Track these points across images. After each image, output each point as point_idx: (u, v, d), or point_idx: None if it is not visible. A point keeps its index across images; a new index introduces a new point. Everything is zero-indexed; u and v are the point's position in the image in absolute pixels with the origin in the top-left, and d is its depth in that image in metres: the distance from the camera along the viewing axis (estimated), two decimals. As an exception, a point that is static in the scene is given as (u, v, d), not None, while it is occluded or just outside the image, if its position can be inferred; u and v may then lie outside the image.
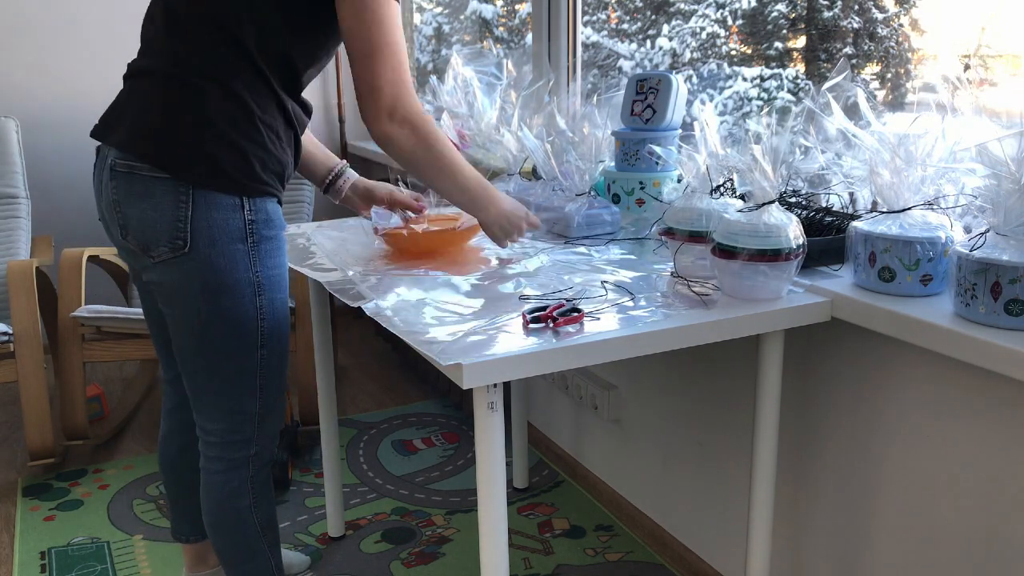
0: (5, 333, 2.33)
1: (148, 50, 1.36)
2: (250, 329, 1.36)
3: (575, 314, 1.14)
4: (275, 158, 1.34)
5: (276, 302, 1.38)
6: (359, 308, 1.28)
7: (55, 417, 2.57)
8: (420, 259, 1.50)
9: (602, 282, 1.34)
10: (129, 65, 1.38)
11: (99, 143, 1.38)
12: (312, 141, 1.62)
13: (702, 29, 2.20)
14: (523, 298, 1.27)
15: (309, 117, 1.44)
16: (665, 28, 2.31)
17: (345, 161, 1.65)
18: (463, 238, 1.57)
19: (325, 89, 3.53)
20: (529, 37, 2.55)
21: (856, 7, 1.81)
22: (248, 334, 1.36)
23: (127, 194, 1.32)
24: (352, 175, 1.64)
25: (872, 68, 1.78)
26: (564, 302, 1.18)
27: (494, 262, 1.48)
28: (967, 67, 1.49)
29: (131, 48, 1.41)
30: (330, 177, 1.62)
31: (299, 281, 2.51)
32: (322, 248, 1.62)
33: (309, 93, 1.46)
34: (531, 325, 1.13)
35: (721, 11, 2.14)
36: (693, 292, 1.29)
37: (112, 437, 2.66)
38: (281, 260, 1.39)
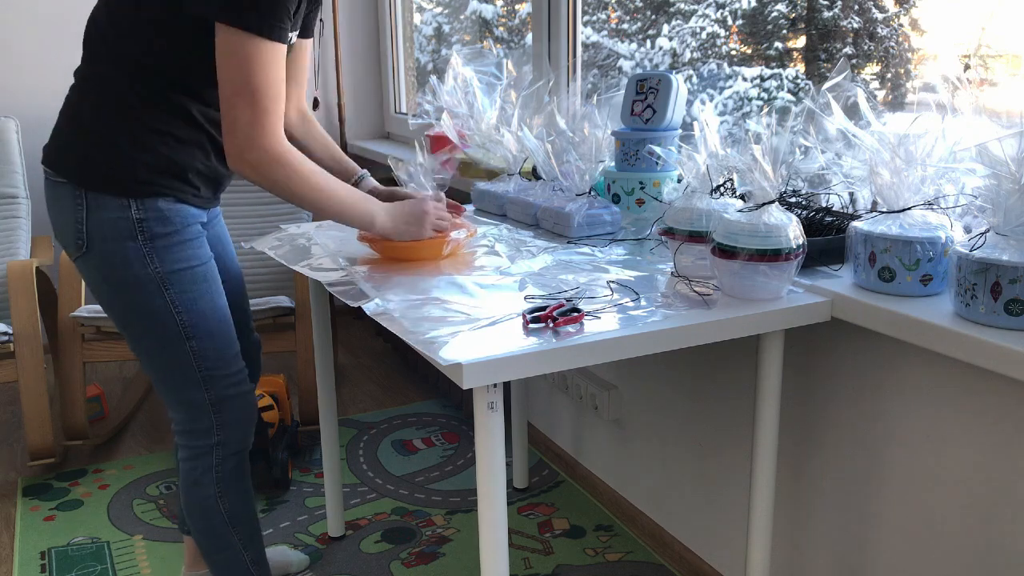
0: (5, 333, 2.34)
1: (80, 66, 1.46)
2: (168, 323, 1.41)
3: (575, 314, 1.14)
4: (169, 159, 1.39)
5: (193, 293, 1.43)
6: (359, 308, 1.28)
7: (55, 417, 2.57)
8: (406, 265, 1.47)
9: (608, 282, 1.34)
10: None
11: None
12: (329, 151, 1.68)
13: (702, 29, 2.20)
14: (529, 298, 1.27)
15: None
16: (665, 28, 2.31)
17: (365, 170, 1.66)
18: (442, 246, 1.50)
19: (326, 89, 3.53)
20: (529, 37, 2.55)
21: (856, 7, 1.81)
22: (168, 327, 1.42)
23: (48, 200, 1.44)
24: (370, 183, 1.66)
25: (872, 68, 1.78)
26: (564, 302, 1.18)
27: (491, 269, 1.48)
28: (967, 67, 1.49)
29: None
30: (351, 184, 1.60)
31: (299, 281, 2.51)
32: (324, 248, 1.62)
33: (308, 92, 1.45)
34: (531, 325, 1.13)
35: (721, 11, 2.14)
36: (694, 291, 1.29)
37: (112, 437, 2.66)
38: (190, 254, 1.43)
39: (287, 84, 1.53)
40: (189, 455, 1.51)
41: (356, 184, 1.64)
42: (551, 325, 1.13)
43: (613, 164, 1.82)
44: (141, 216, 1.38)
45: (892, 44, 1.76)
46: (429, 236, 1.47)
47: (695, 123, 1.36)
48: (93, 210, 1.38)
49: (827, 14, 1.89)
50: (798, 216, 1.27)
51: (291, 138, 1.59)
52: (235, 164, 1.33)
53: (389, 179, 1.78)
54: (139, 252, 1.39)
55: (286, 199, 1.38)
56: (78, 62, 1.47)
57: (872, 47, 1.78)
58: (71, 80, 1.46)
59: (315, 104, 3.50)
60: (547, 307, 1.16)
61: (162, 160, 1.39)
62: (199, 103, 1.41)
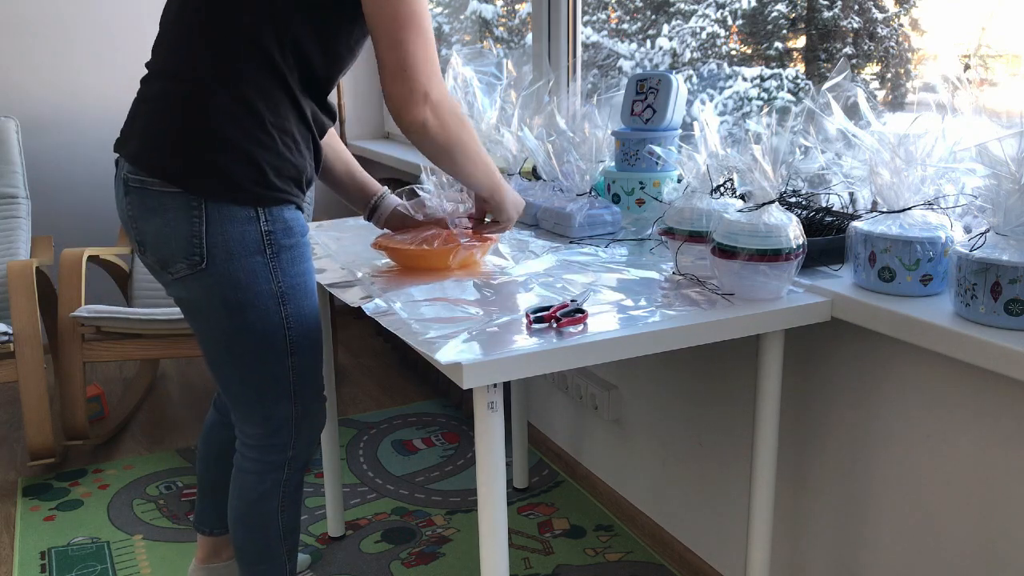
0: (5, 333, 2.34)
1: (159, 48, 1.31)
2: (277, 339, 1.33)
3: (579, 314, 1.14)
4: (290, 163, 1.29)
5: (303, 309, 1.35)
6: (359, 308, 1.28)
7: (55, 417, 2.57)
8: (423, 275, 1.43)
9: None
10: (146, 65, 1.33)
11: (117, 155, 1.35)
12: (353, 167, 1.57)
13: (702, 29, 2.20)
14: (534, 312, 1.27)
15: (333, 121, 1.39)
16: (665, 28, 2.31)
17: (386, 188, 1.58)
18: (449, 255, 1.47)
19: (325, 89, 3.53)
20: (529, 37, 2.55)
21: (856, 7, 1.81)
22: (276, 344, 1.33)
23: (141, 210, 1.28)
24: (391, 202, 1.56)
25: (872, 68, 1.78)
26: (568, 302, 1.18)
27: (494, 270, 1.48)
28: (967, 67, 1.49)
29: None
30: (371, 205, 1.56)
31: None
32: (325, 248, 1.62)
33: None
34: (534, 325, 1.13)
35: (721, 11, 2.14)
36: (695, 292, 1.28)
37: (112, 437, 2.66)
38: (305, 267, 1.35)
39: None
40: (259, 468, 1.44)
41: (377, 204, 1.56)
42: (554, 325, 1.13)
43: (613, 164, 1.82)
44: (269, 228, 1.27)
45: (892, 44, 1.76)
46: (509, 220, 1.46)
47: (695, 123, 1.37)
48: (215, 222, 1.24)
49: (827, 14, 1.89)
50: (798, 216, 1.27)
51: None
52: (413, 111, 1.19)
53: (390, 180, 1.77)
54: (265, 267, 1.28)
55: (451, 151, 1.26)
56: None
57: (872, 47, 1.78)
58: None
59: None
60: (550, 307, 1.16)
61: (287, 164, 1.28)
62: (315, 101, 1.32)
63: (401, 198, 1.60)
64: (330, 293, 1.45)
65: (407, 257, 1.44)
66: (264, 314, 1.30)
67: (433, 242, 1.43)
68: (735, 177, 1.36)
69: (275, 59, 1.23)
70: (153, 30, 1.38)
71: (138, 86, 1.34)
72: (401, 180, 1.75)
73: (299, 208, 1.34)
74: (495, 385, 1.08)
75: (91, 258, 2.68)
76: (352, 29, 1.28)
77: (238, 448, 1.47)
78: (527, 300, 1.26)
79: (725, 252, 1.23)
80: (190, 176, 1.23)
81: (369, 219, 1.57)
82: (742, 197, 1.37)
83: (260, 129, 1.24)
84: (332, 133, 1.53)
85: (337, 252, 1.58)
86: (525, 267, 1.45)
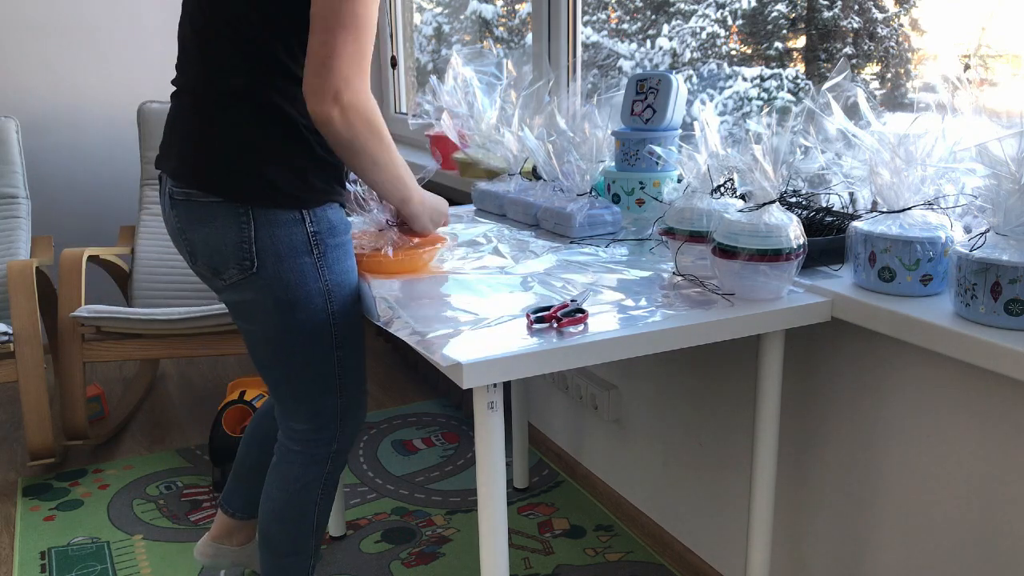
0: (5, 333, 2.34)
1: (182, 64, 1.34)
2: (325, 335, 1.37)
3: (579, 314, 1.14)
4: (327, 162, 1.32)
5: (347, 305, 1.38)
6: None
7: (55, 417, 2.58)
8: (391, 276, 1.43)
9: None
10: (172, 81, 1.37)
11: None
12: None
13: (702, 29, 2.20)
14: (535, 312, 1.27)
15: None
16: (665, 28, 2.31)
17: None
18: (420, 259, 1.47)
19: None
20: (529, 37, 2.55)
21: (856, 7, 1.81)
22: (323, 340, 1.37)
23: (189, 221, 1.32)
24: None
25: (872, 68, 1.78)
26: (568, 302, 1.18)
27: (494, 270, 1.48)
28: (967, 67, 1.49)
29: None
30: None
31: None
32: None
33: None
34: (535, 325, 1.13)
35: (721, 11, 2.14)
36: (695, 292, 1.29)
37: (112, 437, 2.66)
38: (349, 264, 1.38)
39: None
40: (305, 460, 1.46)
41: None
42: (555, 325, 1.13)
43: (613, 164, 1.82)
44: (315, 229, 1.31)
45: (892, 44, 1.76)
46: (430, 233, 1.47)
47: (695, 123, 1.37)
48: (263, 226, 1.28)
49: (827, 14, 1.89)
50: (798, 216, 1.27)
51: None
52: (322, 105, 1.18)
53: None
54: (313, 266, 1.32)
55: (356, 153, 1.25)
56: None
57: (872, 47, 1.78)
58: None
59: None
60: (551, 307, 1.16)
61: (325, 164, 1.32)
62: None
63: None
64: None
65: (374, 265, 1.43)
66: (313, 312, 1.34)
67: (385, 248, 1.44)
68: (735, 177, 1.36)
69: (284, 62, 1.26)
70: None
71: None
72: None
73: (342, 205, 1.38)
74: (495, 385, 1.08)
75: (91, 258, 2.68)
76: None
77: (281, 441, 1.49)
78: (527, 300, 1.26)
79: (725, 252, 1.23)
80: (233, 187, 1.27)
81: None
82: (742, 197, 1.37)
83: (294, 133, 1.28)
84: None
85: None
86: (526, 267, 1.45)
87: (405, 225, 1.47)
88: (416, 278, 1.39)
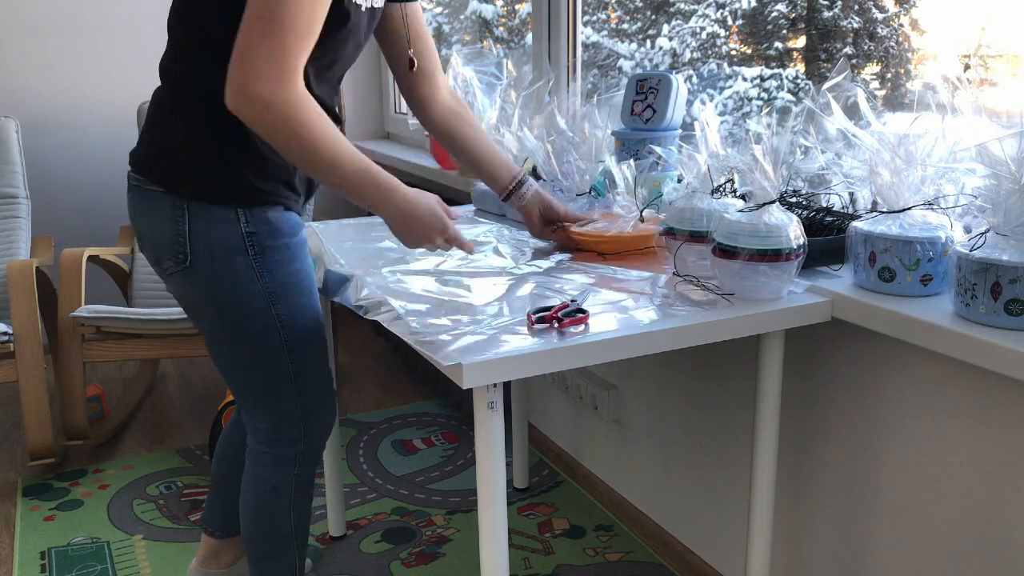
0: (5, 333, 2.34)
1: (163, 57, 1.34)
2: (272, 338, 1.34)
3: (580, 314, 1.14)
4: (276, 165, 1.31)
5: (297, 307, 1.35)
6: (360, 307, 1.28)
7: (55, 417, 2.57)
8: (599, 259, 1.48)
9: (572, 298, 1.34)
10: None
11: None
12: (491, 146, 1.58)
13: (702, 29, 2.20)
14: (536, 312, 1.27)
15: (336, 124, 1.31)
16: (665, 28, 2.31)
17: (527, 175, 1.58)
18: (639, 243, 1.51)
19: (325, 89, 3.53)
20: (529, 37, 2.55)
21: (856, 7, 1.81)
22: (271, 342, 1.35)
23: (136, 207, 1.34)
24: (533, 183, 1.58)
25: (872, 68, 1.78)
26: (569, 302, 1.18)
27: (494, 270, 1.48)
28: (967, 67, 1.49)
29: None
30: (513, 184, 1.56)
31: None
32: (339, 248, 1.62)
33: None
34: (536, 325, 1.13)
35: (721, 11, 2.14)
36: (695, 292, 1.28)
37: (112, 437, 2.66)
38: (297, 266, 1.35)
39: (419, 56, 1.50)
40: (272, 462, 1.45)
41: (521, 183, 1.56)
42: (556, 326, 1.13)
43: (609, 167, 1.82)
44: (251, 229, 1.29)
45: (892, 44, 1.76)
46: (427, 247, 1.34)
47: (695, 123, 1.36)
48: (197, 222, 1.28)
49: (827, 14, 1.89)
50: (798, 216, 1.27)
51: (444, 122, 1.57)
52: (235, 97, 1.13)
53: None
54: (249, 267, 1.30)
55: (285, 153, 1.20)
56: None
57: (872, 47, 1.78)
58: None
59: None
60: (552, 307, 1.16)
61: (270, 165, 1.30)
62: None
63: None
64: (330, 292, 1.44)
65: (615, 243, 1.49)
66: (253, 313, 1.32)
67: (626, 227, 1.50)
68: (735, 177, 1.36)
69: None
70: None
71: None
72: (406, 181, 1.74)
73: (289, 208, 1.35)
74: (495, 385, 1.08)
75: (91, 258, 2.68)
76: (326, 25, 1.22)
77: (249, 443, 1.48)
78: (526, 300, 1.26)
79: (725, 252, 1.23)
80: (171, 176, 1.28)
81: (506, 199, 1.57)
82: (743, 197, 1.37)
83: (240, 132, 1.25)
84: (466, 107, 1.60)
85: (347, 251, 1.58)
86: (525, 267, 1.44)
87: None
88: (417, 277, 1.39)
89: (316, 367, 1.42)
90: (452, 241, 1.33)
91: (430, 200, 1.31)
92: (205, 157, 1.27)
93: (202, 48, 1.24)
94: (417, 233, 1.30)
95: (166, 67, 1.31)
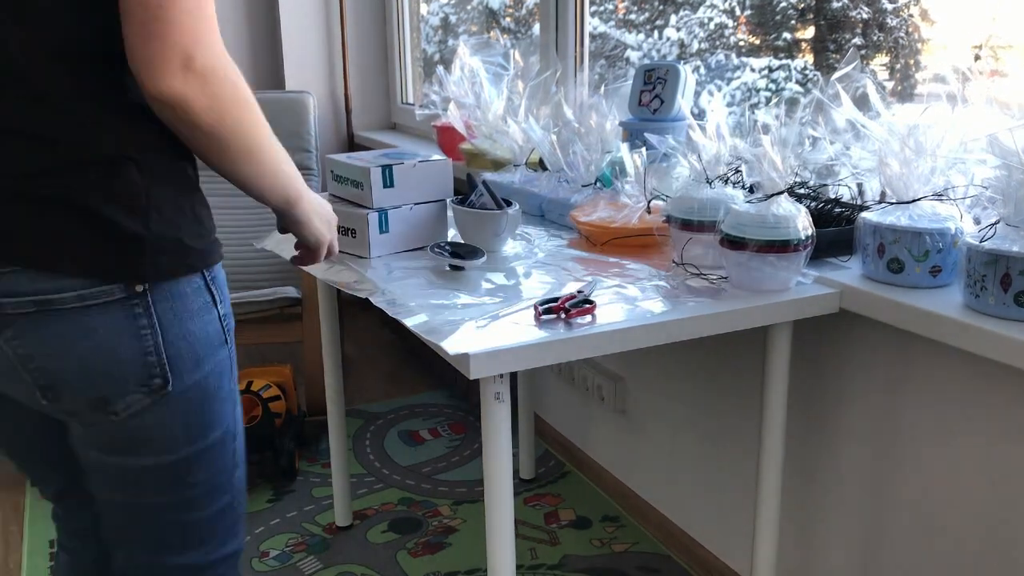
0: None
1: (26, 141, 0.88)
2: (230, 452, 1.06)
3: (587, 305, 1.14)
4: (206, 209, 1.00)
5: (238, 415, 1.08)
6: (366, 298, 1.28)
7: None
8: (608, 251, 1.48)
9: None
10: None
11: None
12: None
13: (710, 19, 2.19)
14: (543, 303, 1.26)
15: None
16: (673, 18, 2.30)
17: None
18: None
19: (332, 80, 3.53)
20: (536, 27, 2.54)
21: (865, -3, 1.80)
22: (228, 459, 1.06)
23: (42, 344, 0.90)
24: None
25: (881, 59, 1.77)
26: (576, 293, 1.18)
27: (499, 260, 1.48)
28: (977, 57, 1.48)
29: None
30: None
31: (306, 271, 2.51)
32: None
33: (317, 82, 1.33)
34: (543, 316, 1.13)
35: (729, 1, 2.13)
36: (701, 282, 1.28)
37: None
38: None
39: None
40: None
41: None
42: (563, 316, 1.13)
43: (620, 154, 1.82)
44: (224, 310, 1.00)
45: (902, 35, 1.75)
46: (325, 242, 1.11)
47: (703, 113, 1.36)
48: (171, 324, 0.94)
49: (836, 4, 1.88)
50: (807, 207, 1.26)
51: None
52: (172, 82, 0.82)
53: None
54: (227, 363, 1.02)
55: (221, 144, 0.89)
56: None
57: (881, 37, 1.77)
58: None
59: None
60: (559, 298, 1.15)
61: (205, 207, 1.00)
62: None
63: None
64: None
65: (619, 234, 1.48)
66: (226, 424, 1.04)
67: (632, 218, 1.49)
68: (743, 168, 1.36)
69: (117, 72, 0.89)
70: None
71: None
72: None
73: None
74: (502, 376, 1.08)
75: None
76: None
77: None
78: (533, 290, 1.26)
79: (733, 243, 1.22)
80: (124, 260, 0.90)
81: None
82: (750, 188, 1.36)
83: (184, 178, 0.97)
84: None
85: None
86: (530, 257, 1.44)
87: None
88: (424, 268, 1.39)
89: (241, 510, 1.12)
90: (332, 244, 1.14)
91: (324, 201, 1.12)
92: (169, 208, 0.93)
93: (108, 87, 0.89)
94: (328, 225, 1.11)
95: (54, 129, 0.87)
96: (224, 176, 0.94)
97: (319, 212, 1.08)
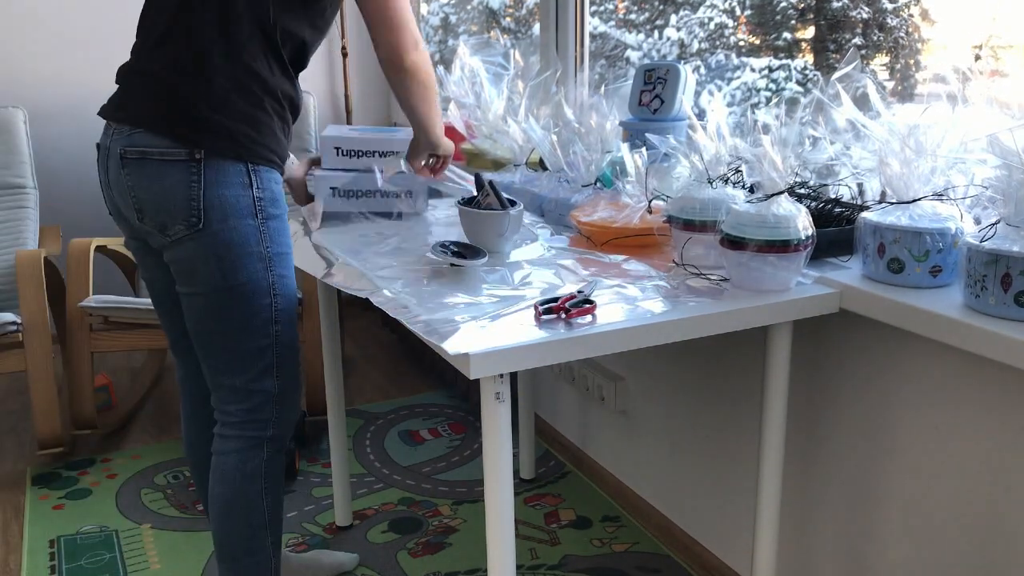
0: (14, 323, 2.34)
1: (160, 42, 1.38)
2: (264, 304, 1.41)
3: (587, 305, 1.14)
4: (281, 134, 1.42)
5: (286, 279, 1.44)
6: (366, 298, 1.28)
7: (63, 406, 2.58)
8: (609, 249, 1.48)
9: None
10: (136, 59, 1.41)
11: (103, 137, 1.41)
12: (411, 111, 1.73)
13: (710, 19, 2.19)
14: (543, 303, 1.26)
15: (299, 112, 1.49)
16: (673, 18, 2.30)
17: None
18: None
19: (332, 78, 3.53)
20: (536, 27, 2.54)
21: (866, -3, 1.80)
22: (263, 309, 1.41)
23: (140, 178, 1.35)
24: (292, 167, 1.71)
25: (882, 59, 1.77)
26: (576, 293, 1.18)
27: (499, 260, 1.48)
28: (977, 57, 1.48)
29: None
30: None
31: (305, 272, 2.51)
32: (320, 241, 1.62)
33: (317, 82, 1.51)
34: (543, 316, 1.13)
35: (729, 1, 2.13)
36: (701, 282, 1.28)
37: (120, 427, 2.67)
38: (287, 240, 1.44)
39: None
40: (242, 446, 1.47)
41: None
42: (563, 316, 1.13)
43: (621, 154, 1.82)
44: (260, 195, 1.38)
45: (902, 35, 1.75)
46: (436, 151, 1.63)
47: (703, 113, 1.36)
48: (212, 186, 1.34)
49: (836, 4, 1.88)
50: (807, 207, 1.26)
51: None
52: (413, 56, 1.41)
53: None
54: (256, 231, 1.38)
55: (429, 88, 1.47)
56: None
57: (882, 37, 1.77)
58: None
59: (344, 51, 3.50)
60: (559, 298, 1.15)
61: (279, 134, 1.42)
62: (296, 81, 1.45)
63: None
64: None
65: (619, 234, 1.48)
66: (253, 276, 1.39)
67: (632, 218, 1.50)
68: (743, 168, 1.36)
69: (272, 35, 1.36)
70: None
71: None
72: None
73: (279, 177, 1.45)
74: (502, 376, 1.08)
75: (99, 248, 2.69)
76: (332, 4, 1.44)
77: (217, 432, 1.50)
78: (533, 290, 1.26)
79: (734, 243, 1.22)
80: (186, 130, 1.33)
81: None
82: (751, 188, 1.36)
83: (262, 97, 1.37)
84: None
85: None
86: (531, 257, 1.44)
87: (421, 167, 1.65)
88: (424, 267, 1.39)
89: (292, 346, 1.48)
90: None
91: None
92: (236, 113, 1.34)
93: (237, 26, 1.33)
94: (446, 151, 1.65)
95: (192, 31, 1.34)
96: (414, 112, 1.51)
97: (443, 143, 1.63)
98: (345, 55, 3.50)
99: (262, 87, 1.37)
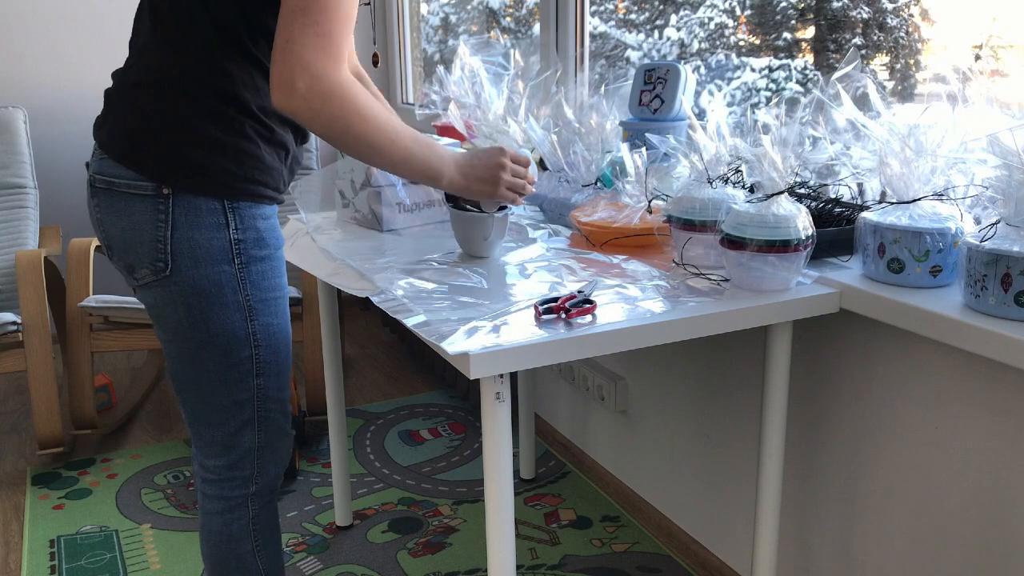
0: (14, 323, 2.35)
1: (136, 56, 1.21)
2: (243, 357, 1.25)
3: (587, 305, 1.14)
4: (274, 156, 1.24)
5: (272, 328, 1.28)
6: (366, 298, 1.27)
7: (63, 406, 2.59)
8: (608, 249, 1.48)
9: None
10: (115, 74, 1.24)
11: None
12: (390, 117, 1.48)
13: (710, 19, 2.19)
14: (543, 303, 1.26)
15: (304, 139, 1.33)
16: (673, 18, 2.30)
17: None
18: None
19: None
20: (536, 27, 2.54)
21: (866, -3, 1.80)
22: (241, 362, 1.26)
23: (107, 211, 1.21)
24: None
25: (882, 59, 1.77)
26: (576, 293, 1.18)
27: (499, 260, 1.48)
28: (978, 57, 1.48)
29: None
30: None
31: (306, 271, 2.51)
32: (318, 238, 1.62)
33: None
34: (543, 316, 1.13)
35: (729, 1, 2.13)
36: (701, 282, 1.28)
37: (120, 427, 2.67)
38: (278, 282, 1.28)
39: None
40: (223, 507, 1.33)
41: None
42: (563, 316, 1.13)
43: (621, 154, 1.82)
44: (239, 236, 1.20)
45: (902, 34, 1.75)
46: (502, 196, 1.32)
47: (704, 113, 1.36)
48: (181, 227, 1.17)
49: (836, 4, 1.88)
50: (807, 207, 1.26)
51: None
52: (283, 94, 1.07)
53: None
54: (233, 278, 1.21)
55: (338, 142, 1.13)
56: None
57: (882, 37, 1.77)
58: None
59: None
60: (559, 298, 1.15)
61: (270, 155, 1.23)
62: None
63: None
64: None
65: (619, 234, 1.47)
66: (228, 326, 1.23)
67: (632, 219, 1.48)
68: (743, 168, 1.36)
69: (255, 51, 1.18)
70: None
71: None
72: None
73: (272, 204, 1.27)
74: (502, 376, 1.08)
75: (99, 248, 2.69)
76: None
77: (199, 488, 1.37)
78: (533, 290, 1.26)
79: (734, 243, 1.22)
80: (155, 163, 1.16)
81: None
82: (751, 188, 1.36)
83: (237, 122, 1.19)
84: (371, 83, 1.58)
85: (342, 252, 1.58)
86: (531, 256, 1.44)
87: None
88: (424, 266, 1.39)
89: (279, 400, 1.33)
90: (514, 187, 1.33)
91: (489, 151, 1.32)
92: (201, 146, 1.16)
93: (211, 41, 1.15)
94: (489, 186, 1.31)
95: (161, 65, 1.17)
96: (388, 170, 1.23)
97: (471, 175, 1.30)
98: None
99: (241, 108, 1.17)
